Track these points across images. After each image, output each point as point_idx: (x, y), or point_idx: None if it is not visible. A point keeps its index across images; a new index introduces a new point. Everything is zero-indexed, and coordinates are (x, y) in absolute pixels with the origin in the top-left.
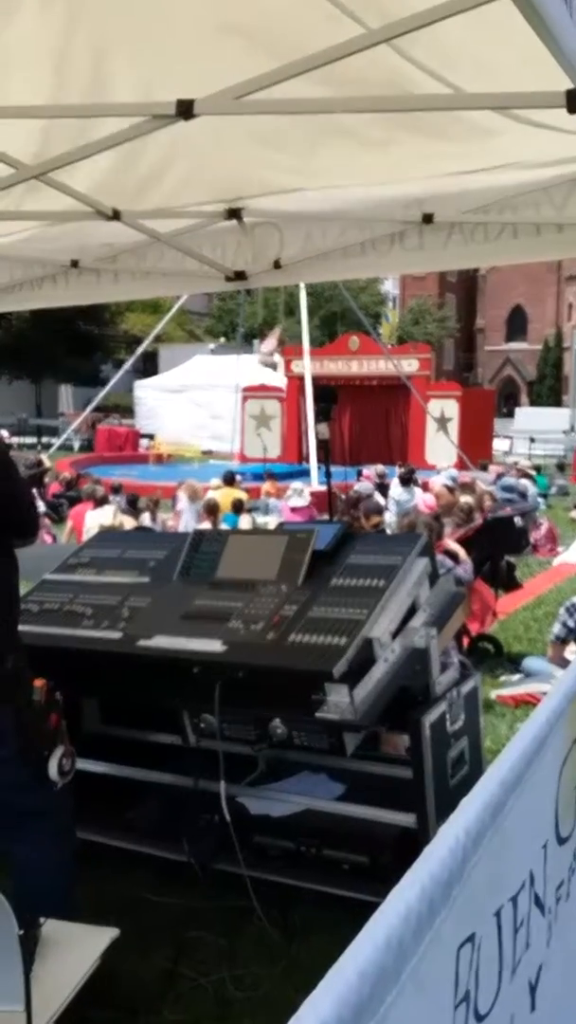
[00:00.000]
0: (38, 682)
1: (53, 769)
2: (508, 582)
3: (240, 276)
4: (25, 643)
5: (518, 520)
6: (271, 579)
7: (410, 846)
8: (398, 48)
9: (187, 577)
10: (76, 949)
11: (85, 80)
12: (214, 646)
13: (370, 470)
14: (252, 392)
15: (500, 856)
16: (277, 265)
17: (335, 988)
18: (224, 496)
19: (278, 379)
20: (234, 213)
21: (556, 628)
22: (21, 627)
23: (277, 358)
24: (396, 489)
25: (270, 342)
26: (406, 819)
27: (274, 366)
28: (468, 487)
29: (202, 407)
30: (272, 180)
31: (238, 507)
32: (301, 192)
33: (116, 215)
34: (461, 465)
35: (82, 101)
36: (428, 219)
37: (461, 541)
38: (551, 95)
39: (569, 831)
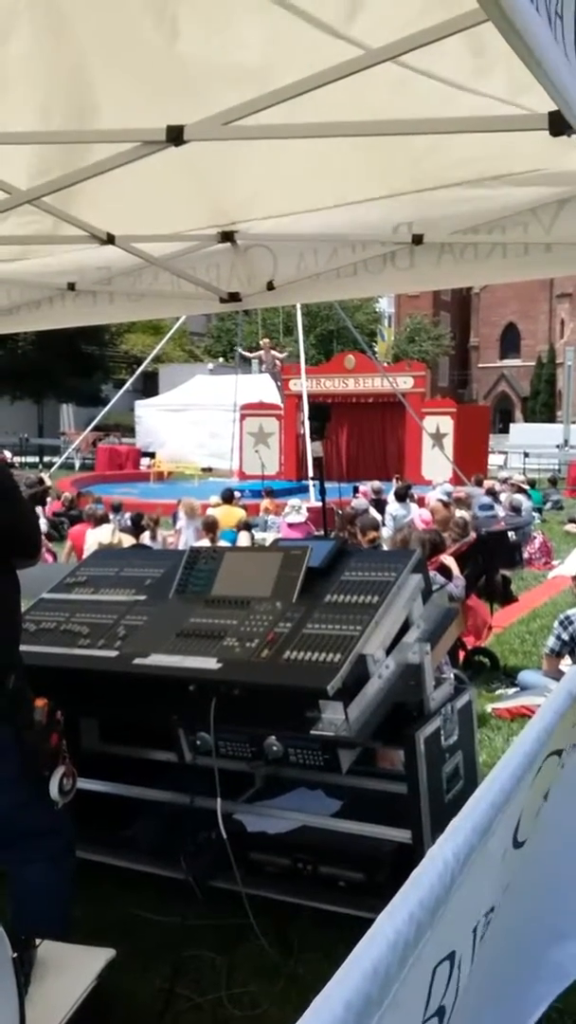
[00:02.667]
0: (39, 702)
1: (54, 789)
2: (504, 596)
3: (234, 298)
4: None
5: (512, 535)
6: (266, 596)
7: (406, 862)
8: (382, 72)
9: (183, 595)
10: (72, 970)
11: (76, 106)
12: (209, 664)
13: (366, 486)
14: (250, 410)
15: (480, 875)
16: (271, 286)
17: (321, 1018)
18: (224, 514)
19: (272, 394)
20: (227, 236)
21: (551, 641)
22: None
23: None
24: (392, 505)
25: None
26: (402, 835)
27: (275, 372)
28: (463, 502)
29: (201, 425)
30: (264, 204)
31: (243, 526)
32: (293, 215)
33: (110, 239)
34: (457, 480)
35: (73, 127)
36: (418, 240)
37: (456, 556)
38: (534, 117)
39: (527, 835)
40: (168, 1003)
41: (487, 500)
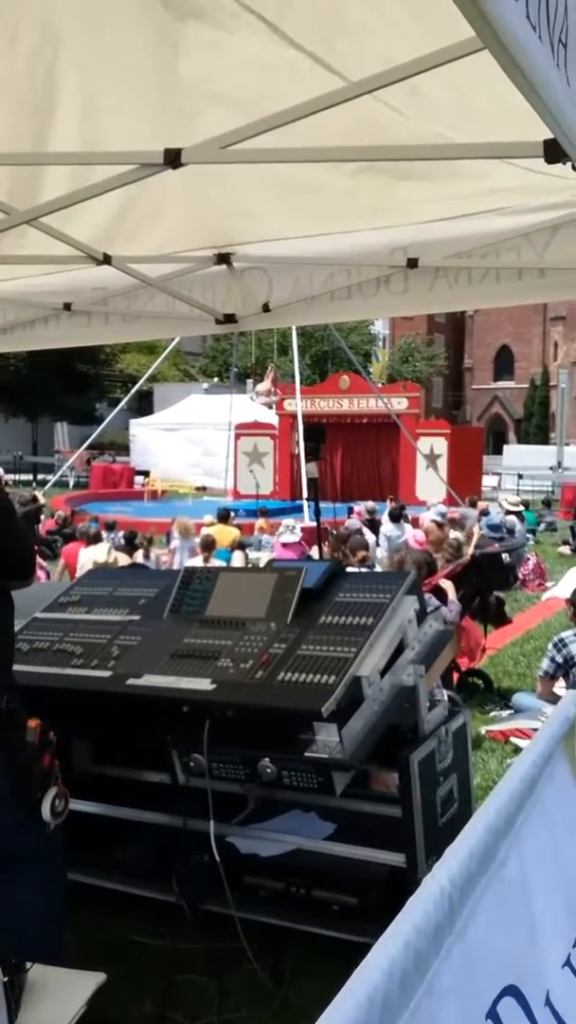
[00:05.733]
0: (32, 722)
1: (46, 810)
2: (497, 617)
3: (230, 319)
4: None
5: (506, 556)
6: (260, 617)
7: (400, 886)
8: (378, 99)
9: (177, 615)
10: (62, 995)
11: (75, 127)
12: (203, 685)
13: (360, 507)
14: (245, 429)
15: (524, 903)
16: (266, 308)
17: None
18: (219, 533)
19: (271, 417)
20: (223, 258)
21: (545, 664)
22: None
23: (274, 397)
24: (387, 525)
25: (266, 384)
26: (396, 858)
27: (271, 405)
28: (457, 523)
29: (196, 444)
30: (260, 227)
31: (238, 546)
32: (288, 238)
33: (106, 260)
34: (451, 501)
35: (72, 149)
36: (413, 264)
37: (450, 577)
38: (529, 145)
39: None
40: None
41: (497, 521)
